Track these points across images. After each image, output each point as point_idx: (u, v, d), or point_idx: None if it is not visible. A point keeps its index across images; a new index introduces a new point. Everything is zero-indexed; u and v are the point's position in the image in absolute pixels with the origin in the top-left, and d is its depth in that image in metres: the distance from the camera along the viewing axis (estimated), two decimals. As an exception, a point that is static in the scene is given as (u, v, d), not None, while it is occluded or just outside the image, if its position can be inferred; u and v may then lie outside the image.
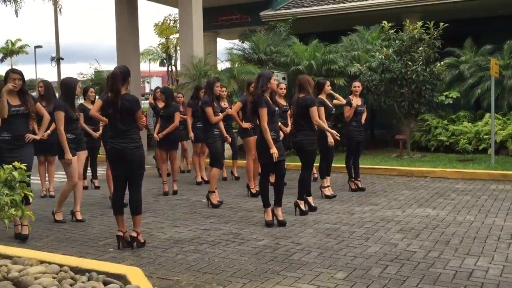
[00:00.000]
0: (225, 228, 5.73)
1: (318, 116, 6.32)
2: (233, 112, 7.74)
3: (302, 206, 6.31)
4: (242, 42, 14.57)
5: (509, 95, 11.59)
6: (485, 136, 10.96)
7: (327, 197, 7.32)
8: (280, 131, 8.40)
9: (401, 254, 4.59)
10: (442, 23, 10.39)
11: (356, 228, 5.59)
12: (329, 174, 7.53)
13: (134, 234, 4.98)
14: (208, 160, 7.43)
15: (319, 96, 7.13)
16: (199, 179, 8.93)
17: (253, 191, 7.62)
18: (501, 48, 12.25)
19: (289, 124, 8.81)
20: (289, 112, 9.02)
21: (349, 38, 13.11)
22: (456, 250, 4.68)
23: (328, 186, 7.47)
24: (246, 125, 7.65)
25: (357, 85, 7.89)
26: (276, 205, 5.84)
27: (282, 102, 8.63)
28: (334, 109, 7.47)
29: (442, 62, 11.06)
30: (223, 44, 41.47)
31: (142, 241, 5.05)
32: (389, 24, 11.10)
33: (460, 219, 5.91)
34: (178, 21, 16.53)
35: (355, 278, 4.00)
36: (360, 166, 8.12)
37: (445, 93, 12.05)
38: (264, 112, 5.60)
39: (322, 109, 6.77)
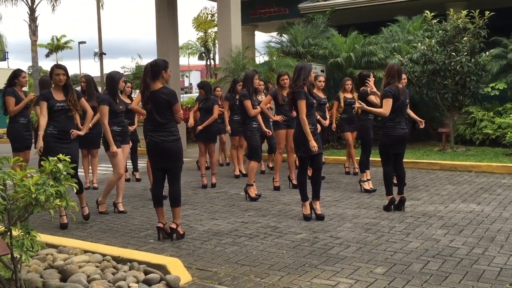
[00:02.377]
0: (263, 221, 5.74)
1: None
2: (262, 106, 7.63)
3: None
4: (280, 35, 14.51)
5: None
6: (533, 129, 10.50)
7: (367, 191, 7.21)
8: (318, 124, 8.37)
9: (443, 250, 4.47)
10: (488, 12, 10.00)
11: (396, 223, 5.48)
12: (368, 167, 7.41)
13: (174, 226, 5.06)
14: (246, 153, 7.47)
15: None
16: (237, 172, 8.98)
17: (294, 182, 7.69)
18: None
19: (327, 117, 8.74)
20: (327, 104, 8.94)
21: (389, 29, 12.82)
22: (502, 247, 4.52)
23: (368, 180, 7.35)
24: (277, 118, 7.61)
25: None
26: (314, 199, 5.80)
27: (321, 94, 8.57)
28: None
29: (487, 53, 10.66)
30: (261, 38, 41.47)
31: (182, 232, 5.12)
32: (432, 14, 10.78)
33: (506, 215, 5.70)
34: (216, 14, 16.60)
35: (395, 273, 3.93)
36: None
37: (491, 85, 11.61)
38: (303, 104, 5.55)
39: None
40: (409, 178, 8.35)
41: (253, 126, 7.14)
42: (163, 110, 4.96)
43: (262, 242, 4.89)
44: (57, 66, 5.59)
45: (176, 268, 3.94)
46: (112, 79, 6.24)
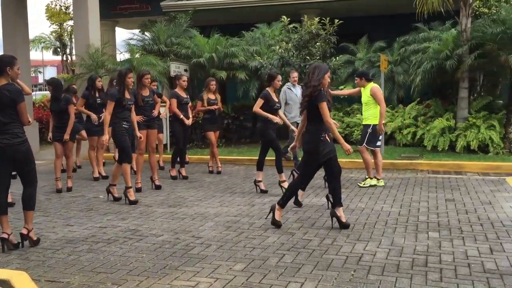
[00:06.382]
0: (122, 225, 5.53)
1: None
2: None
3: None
4: (142, 33, 14.13)
5: (398, 89, 12.45)
6: (376, 128, 11.67)
7: (262, 191, 7.18)
8: (182, 123, 8.31)
9: (298, 243, 4.73)
10: (337, 20, 10.87)
11: (256, 219, 5.67)
12: (262, 169, 7.33)
13: (25, 232, 4.65)
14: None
15: (267, 89, 7.06)
16: (96, 175, 8.54)
17: (157, 182, 7.63)
18: (391, 45, 13.12)
19: (190, 116, 8.71)
20: (190, 104, 8.92)
21: (251, 34, 13.27)
22: (348, 236, 4.93)
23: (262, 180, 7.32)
24: (137, 118, 7.21)
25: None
26: (337, 205, 5.29)
27: (183, 94, 8.53)
28: (278, 105, 7.25)
29: (338, 58, 11.58)
30: (124, 34, 39.99)
31: (35, 239, 4.74)
32: (288, 19, 11.39)
33: (352, 206, 6.24)
34: (71, 7, 15.58)
35: (253, 268, 4.06)
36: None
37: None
38: (325, 106, 5.06)
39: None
40: (269, 175, 8.72)
41: (123, 126, 6.73)
42: (7, 109, 4.50)
43: (121, 247, 4.70)
44: None
45: (22, 282, 3.60)
46: None
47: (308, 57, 10.99)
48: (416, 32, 12.32)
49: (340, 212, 5.23)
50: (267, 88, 7.10)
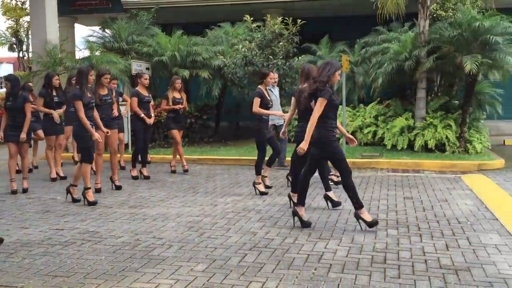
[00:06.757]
0: (81, 226, 5.39)
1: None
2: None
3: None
4: (102, 30, 13.83)
5: (359, 90, 12.66)
6: (338, 127, 11.83)
7: (262, 193, 6.99)
8: (144, 121, 8.17)
9: (260, 242, 4.73)
10: (300, 20, 10.94)
11: (218, 219, 5.64)
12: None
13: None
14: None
15: (260, 87, 6.93)
16: (54, 175, 8.28)
17: (117, 183, 7.50)
18: (352, 46, 13.32)
19: (152, 115, 8.55)
20: (152, 103, 8.78)
21: (214, 32, 13.19)
22: (310, 235, 4.97)
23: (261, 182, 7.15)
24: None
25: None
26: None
27: (145, 93, 8.41)
28: (271, 104, 7.16)
29: (300, 57, 11.66)
30: (84, 31, 39.07)
31: None
32: (252, 19, 11.39)
33: (314, 205, 6.29)
34: (28, 2, 15.09)
35: (215, 269, 4.03)
36: (226, 157, 8.22)
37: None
38: (323, 103, 4.94)
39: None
40: (232, 174, 8.71)
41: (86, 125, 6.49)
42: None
43: (78, 249, 4.58)
44: None
45: (-28, 288, 3.46)
46: None
47: (271, 57, 11.02)
48: (376, 33, 12.56)
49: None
50: (259, 86, 6.94)
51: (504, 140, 12.80)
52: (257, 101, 6.81)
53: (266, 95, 6.98)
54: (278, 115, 7.36)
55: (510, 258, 4.22)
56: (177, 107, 8.69)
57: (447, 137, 10.08)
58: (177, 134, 8.77)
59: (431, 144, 10.07)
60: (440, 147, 10.18)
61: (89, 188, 6.50)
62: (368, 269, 4.00)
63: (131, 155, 8.63)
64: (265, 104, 6.88)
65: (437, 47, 10.47)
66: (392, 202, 6.42)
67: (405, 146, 10.38)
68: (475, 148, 10.08)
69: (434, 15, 11.08)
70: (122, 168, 9.23)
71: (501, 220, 5.44)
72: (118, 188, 7.44)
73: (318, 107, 4.95)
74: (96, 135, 6.48)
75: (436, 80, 11.63)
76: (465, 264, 4.10)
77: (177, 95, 8.78)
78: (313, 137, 5.04)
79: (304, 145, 5.05)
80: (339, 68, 5.16)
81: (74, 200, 6.56)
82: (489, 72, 10.66)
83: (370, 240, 4.75)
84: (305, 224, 5.23)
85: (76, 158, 9.74)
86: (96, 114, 6.74)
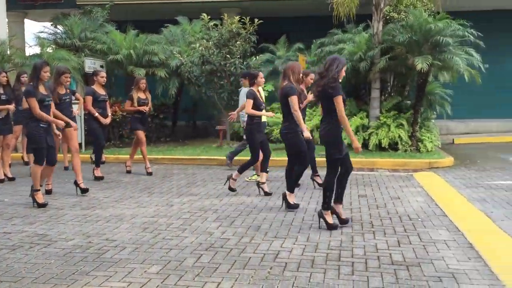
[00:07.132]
0: (29, 229, 5.19)
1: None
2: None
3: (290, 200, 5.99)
4: (54, 26, 13.39)
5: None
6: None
7: (266, 193, 6.86)
8: (100, 121, 7.96)
9: (216, 242, 4.70)
10: (257, 20, 10.96)
11: (174, 220, 5.57)
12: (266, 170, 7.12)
13: None
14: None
15: (252, 88, 6.79)
16: (1, 176, 7.95)
17: (82, 186, 7.04)
18: (309, 46, 13.46)
19: (108, 114, 8.34)
20: (108, 101, 8.57)
21: (170, 30, 13.02)
22: (266, 234, 4.98)
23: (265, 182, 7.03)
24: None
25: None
26: (338, 202, 5.31)
27: (101, 91, 8.19)
28: (264, 105, 7.04)
29: (258, 57, 11.69)
30: (35, 27, 37.76)
31: None
32: (209, 17, 11.32)
33: (271, 204, 6.31)
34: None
35: (169, 270, 3.97)
36: (183, 157, 8.12)
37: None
38: (340, 100, 4.93)
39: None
40: (189, 174, 8.63)
41: (40, 125, 6.15)
42: None
43: (26, 253, 4.41)
44: None
45: None
46: None
47: (228, 56, 11.00)
48: (332, 34, 12.75)
49: (339, 208, 5.28)
50: (251, 88, 6.83)
51: (453, 139, 13.30)
52: (249, 102, 6.71)
53: (259, 96, 6.91)
54: (270, 115, 7.46)
55: (458, 253, 4.37)
56: (142, 108, 8.51)
57: (399, 136, 10.34)
58: (142, 135, 8.62)
59: (385, 143, 10.31)
60: (393, 146, 10.44)
61: (39, 189, 6.27)
62: (323, 266, 4.04)
63: (90, 156, 8.40)
64: (258, 105, 6.81)
65: (390, 48, 10.73)
66: (347, 200, 6.52)
67: (360, 145, 10.56)
68: (426, 147, 10.40)
69: (387, 17, 11.35)
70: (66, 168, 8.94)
71: (450, 216, 5.63)
72: (85, 191, 6.99)
73: (339, 105, 4.95)
74: (60, 122, 6.28)
75: (390, 81, 11.93)
76: (416, 260, 4.21)
77: (142, 95, 8.61)
78: (322, 137, 5.21)
79: (356, 144, 5.32)
80: (345, 64, 5.20)
81: (40, 205, 6.23)
82: (439, 73, 11.03)
83: (325, 238, 4.81)
84: (344, 221, 5.25)
85: (26, 159, 9.40)
86: (57, 112, 6.51)
